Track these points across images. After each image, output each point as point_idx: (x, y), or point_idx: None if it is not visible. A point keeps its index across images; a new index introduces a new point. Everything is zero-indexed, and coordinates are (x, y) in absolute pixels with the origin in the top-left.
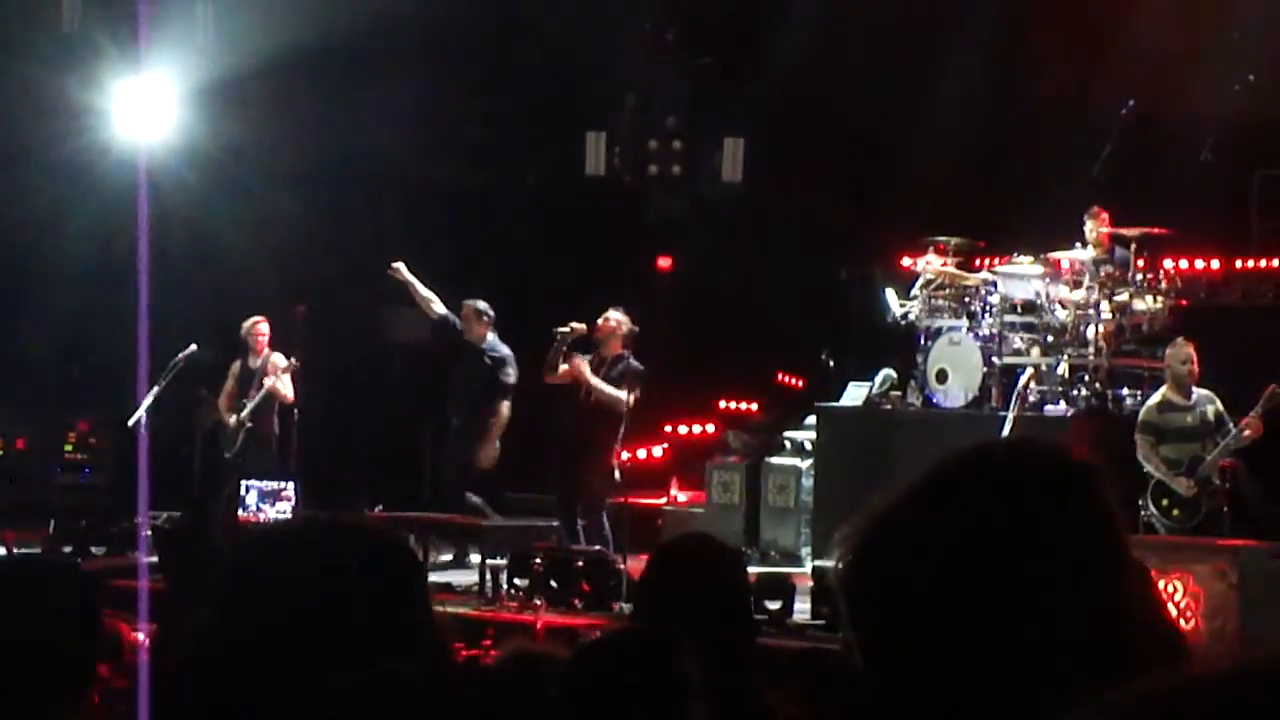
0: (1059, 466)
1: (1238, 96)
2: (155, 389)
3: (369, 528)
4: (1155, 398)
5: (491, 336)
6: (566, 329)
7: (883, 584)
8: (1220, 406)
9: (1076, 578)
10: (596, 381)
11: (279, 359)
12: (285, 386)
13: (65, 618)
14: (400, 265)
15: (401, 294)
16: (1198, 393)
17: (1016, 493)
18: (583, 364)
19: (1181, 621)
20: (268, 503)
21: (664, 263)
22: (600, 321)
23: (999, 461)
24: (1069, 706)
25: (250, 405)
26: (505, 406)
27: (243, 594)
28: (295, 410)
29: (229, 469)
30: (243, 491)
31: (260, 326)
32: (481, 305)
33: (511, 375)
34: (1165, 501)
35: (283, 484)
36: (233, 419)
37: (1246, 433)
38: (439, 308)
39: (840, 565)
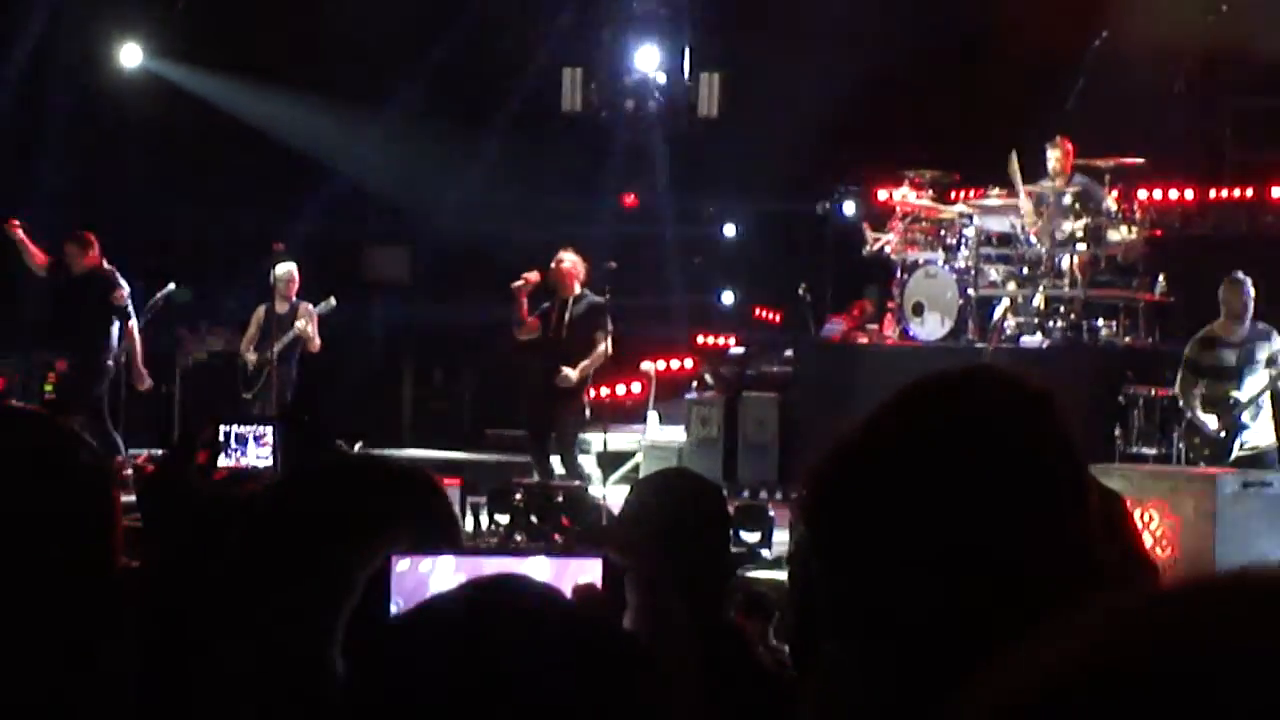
0: (1015, 394)
1: (1210, 27)
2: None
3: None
4: (1202, 332)
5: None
6: (520, 282)
7: (847, 512)
8: (1277, 346)
9: (1039, 504)
10: (586, 367)
11: (309, 306)
12: (314, 333)
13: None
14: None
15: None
16: (1252, 329)
17: (975, 421)
18: (572, 376)
19: (1159, 549)
20: (246, 446)
21: (629, 199)
22: (554, 265)
23: (956, 391)
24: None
25: (278, 347)
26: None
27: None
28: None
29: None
30: (220, 435)
31: (291, 272)
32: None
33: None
34: (1196, 440)
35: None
36: (253, 358)
37: None
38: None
39: (805, 494)
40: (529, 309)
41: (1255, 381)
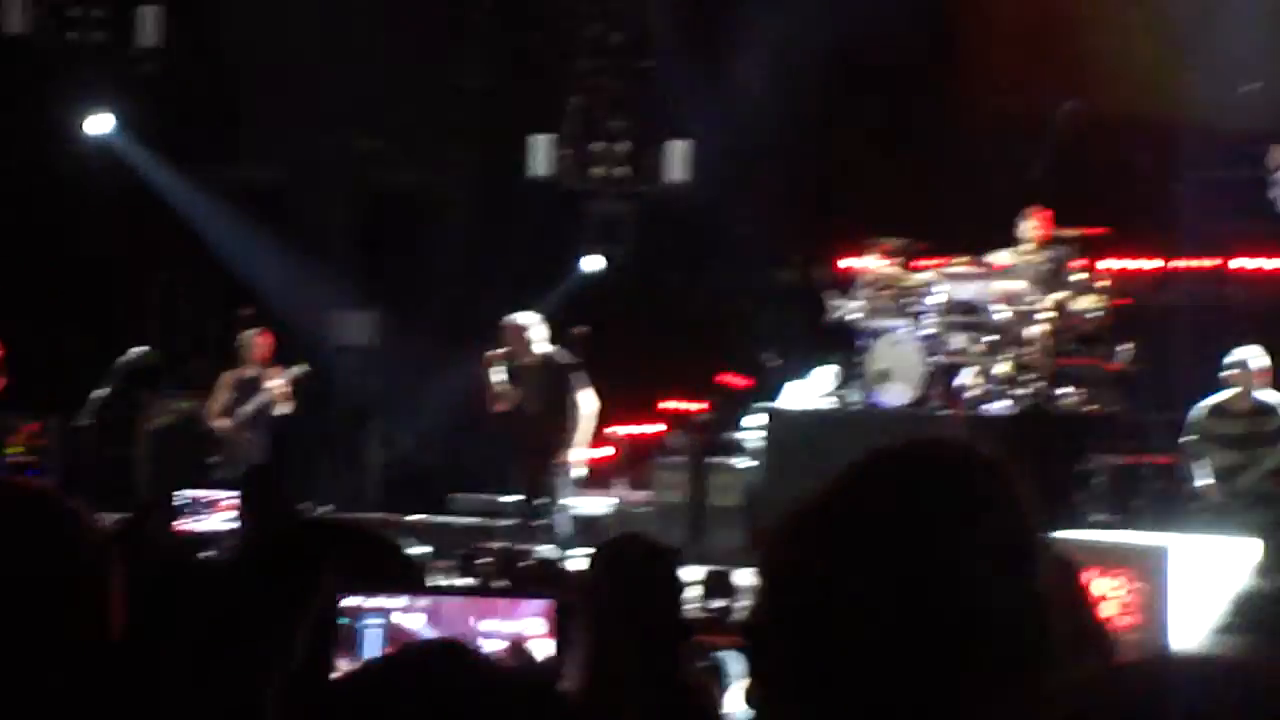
0: (968, 465)
1: (1176, 98)
2: (103, 391)
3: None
4: (1211, 399)
5: None
6: (485, 359)
7: (800, 578)
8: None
9: (990, 574)
10: (583, 436)
11: (280, 370)
12: (285, 398)
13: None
14: None
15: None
16: (1263, 400)
17: (927, 491)
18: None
19: (1121, 618)
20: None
21: (596, 263)
22: (507, 334)
23: (910, 461)
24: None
25: (247, 410)
26: None
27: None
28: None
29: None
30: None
31: (260, 338)
32: None
33: None
34: (1194, 503)
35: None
36: (221, 424)
37: None
38: None
39: (761, 559)
40: (500, 378)
41: (1265, 453)
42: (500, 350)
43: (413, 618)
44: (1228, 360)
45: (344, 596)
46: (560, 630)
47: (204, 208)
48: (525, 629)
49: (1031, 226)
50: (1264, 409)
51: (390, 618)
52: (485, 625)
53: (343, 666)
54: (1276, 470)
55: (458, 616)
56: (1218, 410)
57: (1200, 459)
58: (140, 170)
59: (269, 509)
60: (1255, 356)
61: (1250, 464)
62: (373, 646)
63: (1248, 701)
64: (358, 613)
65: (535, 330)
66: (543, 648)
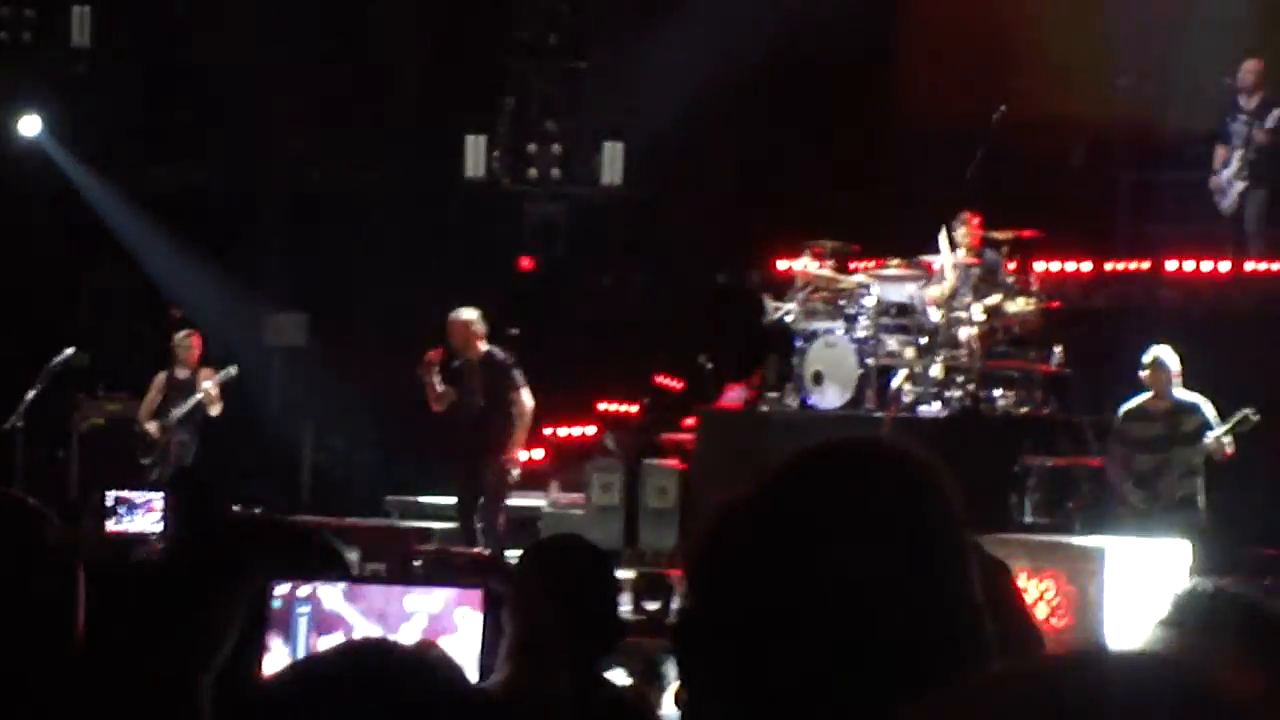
0: (900, 464)
1: (1107, 101)
2: (33, 392)
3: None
4: (1129, 404)
5: None
6: (424, 362)
7: (728, 579)
8: (1207, 416)
9: (921, 575)
10: (520, 437)
11: (211, 373)
12: (216, 398)
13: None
14: None
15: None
16: (1180, 401)
17: (859, 490)
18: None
19: (1054, 619)
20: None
21: (526, 263)
22: (452, 329)
23: (841, 460)
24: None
25: (178, 414)
26: None
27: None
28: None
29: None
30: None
31: (192, 340)
32: None
33: None
34: (1119, 508)
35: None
36: (152, 426)
37: (1209, 451)
38: None
39: (688, 559)
40: (439, 379)
41: (1186, 453)
42: (439, 351)
43: (342, 605)
44: (1144, 361)
45: (275, 584)
46: (489, 620)
47: (134, 209)
48: (454, 618)
49: (964, 230)
50: (1185, 408)
51: (319, 605)
52: (414, 614)
53: (274, 650)
54: (1194, 470)
55: (386, 605)
56: (1136, 414)
57: (1120, 464)
58: (69, 172)
59: (199, 511)
60: (1169, 355)
61: (1169, 466)
62: (303, 632)
63: (1176, 695)
64: (289, 600)
65: (479, 326)
66: (471, 637)
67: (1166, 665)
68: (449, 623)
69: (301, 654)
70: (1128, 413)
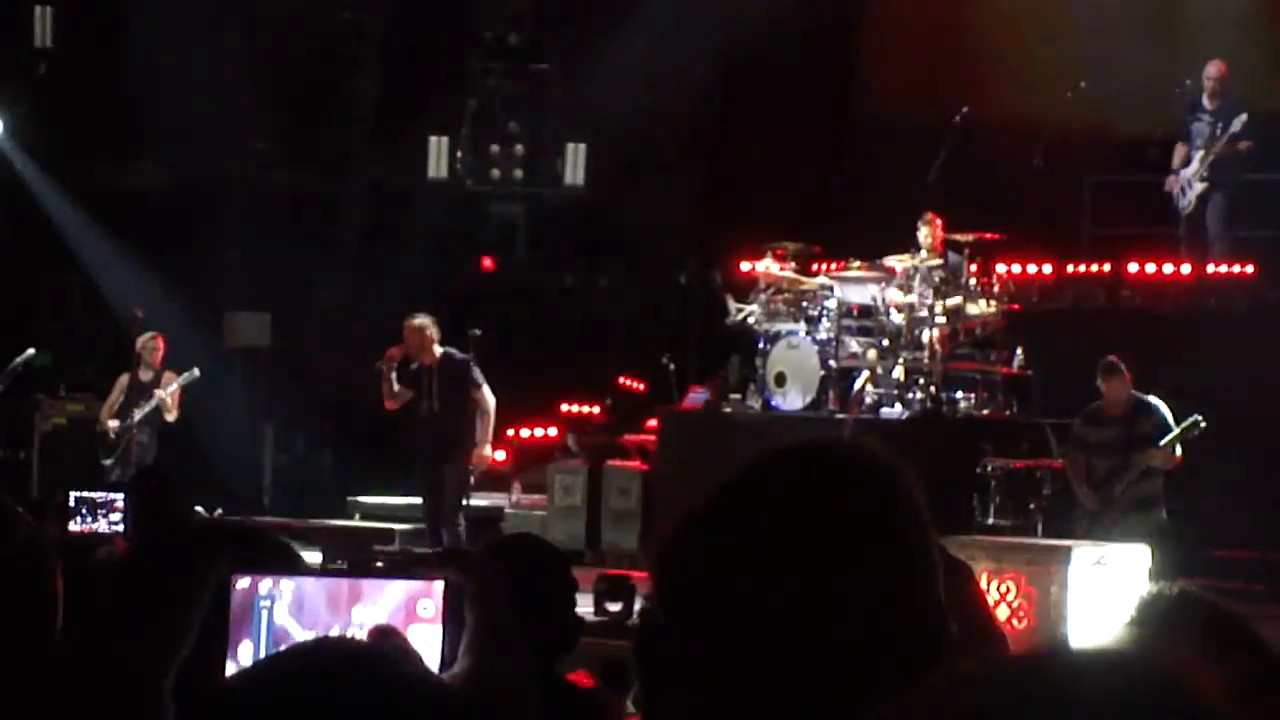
0: (865, 465)
1: (1069, 104)
2: None
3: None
4: (1089, 407)
5: None
6: (381, 362)
7: (692, 578)
8: (1161, 419)
9: (884, 574)
10: (486, 434)
11: (173, 375)
12: (175, 403)
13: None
14: None
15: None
16: (1137, 402)
17: (824, 490)
18: (487, 455)
19: (1015, 621)
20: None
21: (487, 263)
22: (407, 335)
23: (805, 460)
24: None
25: (139, 415)
26: None
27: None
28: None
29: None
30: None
31: (156, 342)
32: None
33: None
34: (1077, 511)
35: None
36: (113, 425)
37: (1155, 462)
38: None
39: (652, 557)
40: (396, 379)
41: (1143, 456)
42: (400, 349)
43: (303, 598)
44: (1102, 364)
45: (236, 578)
46: (450, 611)
47: (93, 210)
48: (414, 609)
49: (926, 232)
50: (1141, 409)
51: (280, 598)
52: (374, 606)
53: (236, 644)
54: (1153, 472)
55: (346, 597)
56: (1091, 417)
57: (1076, 468)
58: (26, 175)
59: (159, 512)
60: (1118, 362)
61: (1125, 469)
62: (264, 626)
63: (1140, 691)
64: (250, 594)
65: (433, 331)
66: (432, 629)
67: (1130, 662)
68: (409, 614)
69: (264, 647)
70: (1084, 417)
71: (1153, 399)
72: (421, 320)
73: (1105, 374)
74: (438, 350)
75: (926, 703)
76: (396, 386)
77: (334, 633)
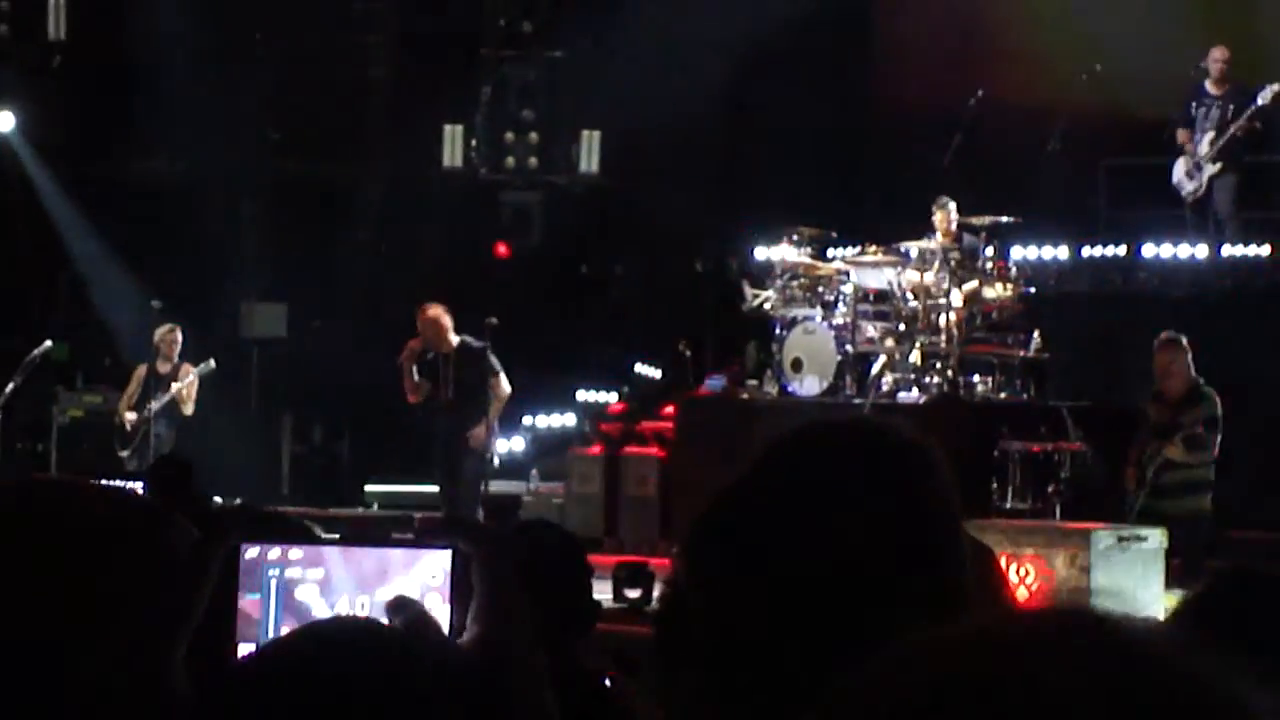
0: (893, 445)
1: (1084, 87)
2: (11, 384)
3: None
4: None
5: None
6: (403, 354)
7: (720, 562)
8: (1210, 410)
9: (911, 557)
10: (491, 418)
11: (190, 367)
12: (190, 395)
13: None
14: None
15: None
16: (1189, 391)
17: (851, 471)
18: (482, 434)
19: (1034, 604)
20: None
21: (502, 250)
22: (422, 326)
23: (835, 440)
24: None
25: (156, 407)
26: None
27: None
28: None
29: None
30: None
31: (174, 334)
32: None
33: None
34: (1125, 495)
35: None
36: (131, 417)
37: (1175, 456)
38: None
39: (683, 546)
40: (417, 372)
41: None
42: (418, 341)
43: (311, 566)
44: (1158, 341)
45: (245, 548)
46: (458, 579)
47: (109, 202)
48: (423, 577)
49: (942, 216)
50: (1192, 398)
51: (288, 567)
52: (382, 573)
53: (245, 614)
54: (1169, 463)
55: (355, 564)
56: (1154, 395)
57: (1134, 445)
58: (42, 166)
59: (178, 499)
60: (1178, 339)
61: (1158, 455)
62: (274, 595)
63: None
64: (258, 563)
65: (447, 320)
66: (440, 596)
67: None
68: (417, 582)
69: (273, 616)
70: (1152, 395)
71: (1207, 389)
72: (435, 310)
73: (1156, 349)
74: (454, 339)
75: (881, 681)
76: (417, 379)
77: (346, 602)
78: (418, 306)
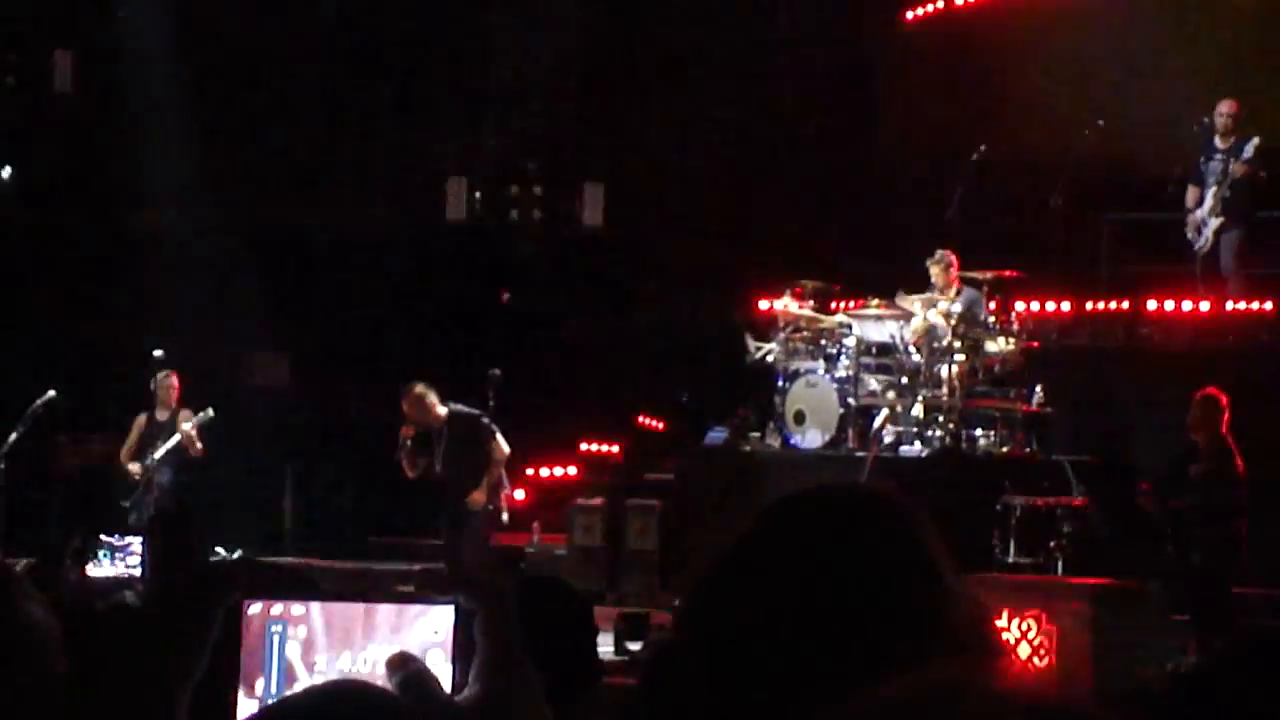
0: (873, 509)
1: (1087, 141)
2: (14, 434)
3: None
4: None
5: None
6: (399, 446)
7: (711, 625)
8: (1228, 465)
9: (892, 619)
10: (488, 483)
11: (190, 414)
12: (195, 440)
13: None
14: None
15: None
16: (1214, 446)
17: (836, 536)
18: (479, 498)
19: (1036, 659)
20: (116, 555)
21: (505, 300)
22: (407, 409)
23: (830, 508)
24: None
25: (158, 455)
26: None
27: None
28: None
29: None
30: (88, 545)
31: (171, 380)
32: None
33: None
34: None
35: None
36: (134, 467)
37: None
38: None
39: (684, 606)
40: (415, 452)
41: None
42: (408, 429)
43: (314, 623)
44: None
45: (248, 604)
46: (460, 635)
47: (113, 251)
48: (426, 633)
49: (944, 269)
50: (1223, 454)
51: (292, 623)
52: (385, 630)
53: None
54: (1218, 486)
55: (358, 621)
56: (1189, 450)
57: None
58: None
59: (177, 553)
60: (1215, 395)
61: (1198, 506)
62: (277, 652)
63: None
64: (262, 619)
65: (431, 396)
66: (442, 653)
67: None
68: (420, 638)
69: (275, 676)
70: (1185, 448)
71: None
72: (417, 389)
73: (1195, 406)
74: (441, 411)
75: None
76: (414, 464)
77: (348, 659)
78: (400, 388)
